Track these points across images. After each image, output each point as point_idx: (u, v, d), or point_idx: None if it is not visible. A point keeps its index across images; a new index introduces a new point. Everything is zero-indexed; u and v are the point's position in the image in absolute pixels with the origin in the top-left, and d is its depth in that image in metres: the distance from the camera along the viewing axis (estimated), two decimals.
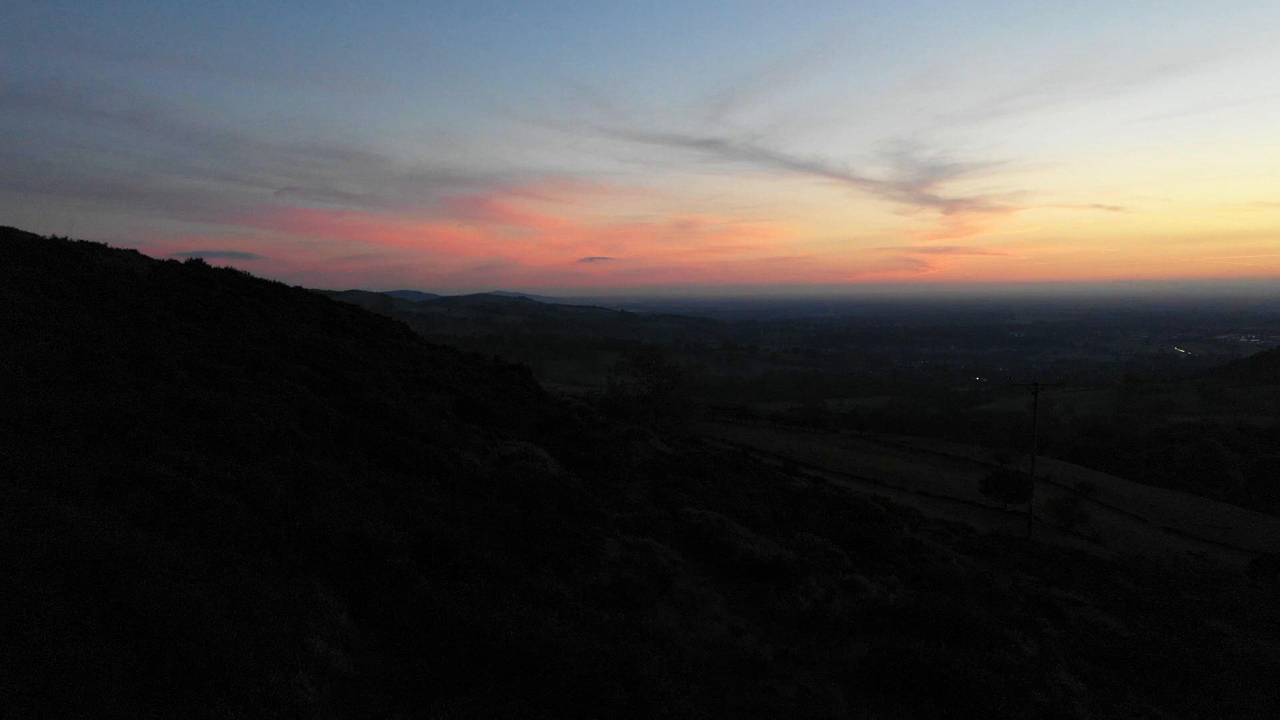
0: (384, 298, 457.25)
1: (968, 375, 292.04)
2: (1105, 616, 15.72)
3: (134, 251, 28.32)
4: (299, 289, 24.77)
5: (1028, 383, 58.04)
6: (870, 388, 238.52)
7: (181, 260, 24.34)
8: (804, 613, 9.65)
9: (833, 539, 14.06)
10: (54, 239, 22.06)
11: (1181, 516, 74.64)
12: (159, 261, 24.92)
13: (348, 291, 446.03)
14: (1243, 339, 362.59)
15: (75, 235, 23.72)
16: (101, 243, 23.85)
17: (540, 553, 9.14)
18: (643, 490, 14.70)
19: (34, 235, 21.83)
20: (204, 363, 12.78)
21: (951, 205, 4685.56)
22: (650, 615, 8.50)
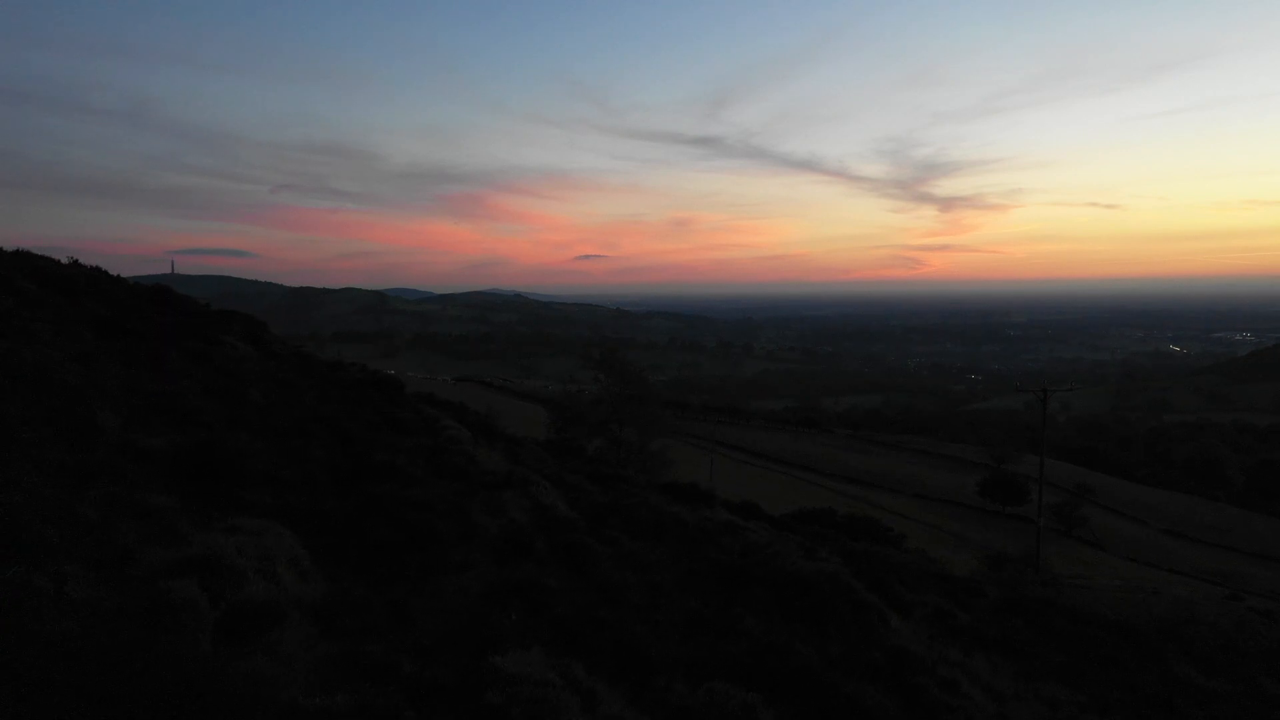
0: (380, 295, 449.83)
1: (963, 373, 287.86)
2: None
3: None
4: (99, 272, 18.50)
5: (1034, 386, 52.98)
6: (866, 386, 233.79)
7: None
8: None
9: (768, 682, 8.46)
10: None
11: (1181, 518, 69.48)
12: None
13: (343, 289, 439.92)
14: (1238, 337, 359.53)
15: None
16: None
17: None
18: (466, 597, 9.02)
19: None
20: None
21: (948, 203, 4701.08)
22: None
